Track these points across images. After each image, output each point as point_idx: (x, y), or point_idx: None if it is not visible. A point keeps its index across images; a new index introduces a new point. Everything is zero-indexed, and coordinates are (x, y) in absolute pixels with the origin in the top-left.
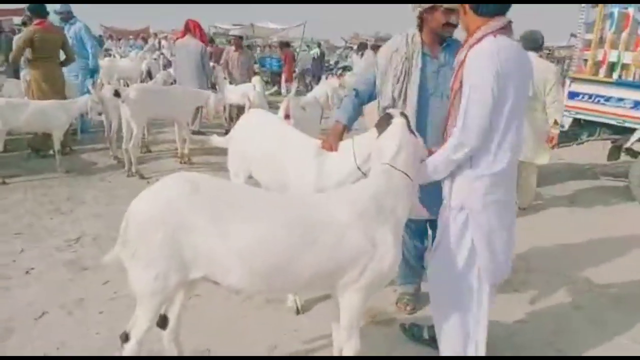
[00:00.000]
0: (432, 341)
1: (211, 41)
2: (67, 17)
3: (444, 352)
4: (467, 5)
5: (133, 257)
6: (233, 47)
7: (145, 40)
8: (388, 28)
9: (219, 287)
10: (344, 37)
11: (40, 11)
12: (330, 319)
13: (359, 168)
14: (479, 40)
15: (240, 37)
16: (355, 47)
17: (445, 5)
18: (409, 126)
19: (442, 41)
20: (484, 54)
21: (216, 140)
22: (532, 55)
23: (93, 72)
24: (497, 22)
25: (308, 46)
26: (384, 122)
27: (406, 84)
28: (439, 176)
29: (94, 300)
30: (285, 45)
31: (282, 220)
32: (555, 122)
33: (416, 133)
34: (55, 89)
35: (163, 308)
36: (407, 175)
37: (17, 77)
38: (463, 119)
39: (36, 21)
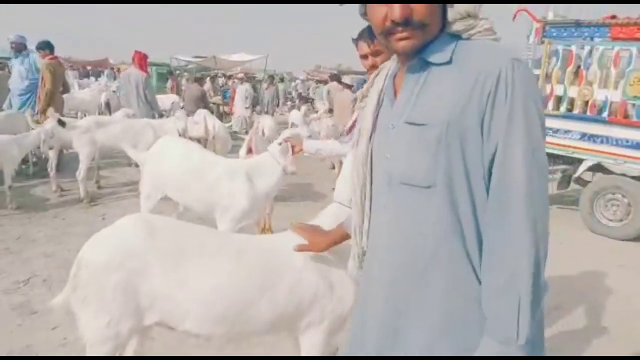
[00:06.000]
0: None
1: (170, 73)
2: (20, 48)
3: None
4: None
5: (84, 302)
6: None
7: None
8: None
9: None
10: (305, 70)
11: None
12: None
13: (284, 170)
14: None
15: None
16: (315, 80)
17: None
18: None
19: None
20: None
21: (133, 154)
22: None
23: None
24: None
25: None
26: None
27: None
28: None
29: (43, 347)
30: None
31: (240, 264)
32: None
33: None
34: None
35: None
36: None
37: None
38: None
39: (50, 55)
